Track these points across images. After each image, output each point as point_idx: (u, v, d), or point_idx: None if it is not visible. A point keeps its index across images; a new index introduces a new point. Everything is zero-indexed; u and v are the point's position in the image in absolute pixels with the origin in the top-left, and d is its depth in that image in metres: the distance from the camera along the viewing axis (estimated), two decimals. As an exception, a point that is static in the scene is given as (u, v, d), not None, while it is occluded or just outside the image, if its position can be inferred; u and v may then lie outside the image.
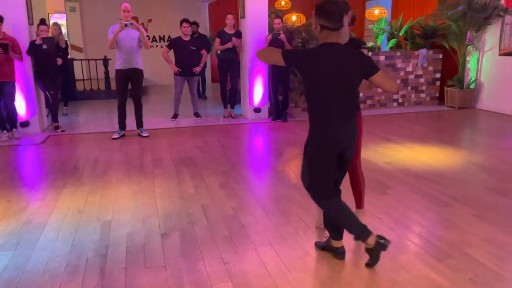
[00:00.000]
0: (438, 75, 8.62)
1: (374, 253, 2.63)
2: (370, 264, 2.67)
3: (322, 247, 2.91)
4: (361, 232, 2.62)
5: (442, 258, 2.79)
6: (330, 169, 2.61)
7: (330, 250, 2.85)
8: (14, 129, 6.18)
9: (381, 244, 2.59)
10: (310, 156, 2.62)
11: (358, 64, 2.49)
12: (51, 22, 8.66)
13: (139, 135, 6.34)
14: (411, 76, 8.47)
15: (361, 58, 2.53)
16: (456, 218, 3.42)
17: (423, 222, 3.36)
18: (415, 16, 9.21)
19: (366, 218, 3.40)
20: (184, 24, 7.04)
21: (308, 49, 2.60)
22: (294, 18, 9.96)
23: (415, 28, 8.79)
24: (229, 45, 7.19)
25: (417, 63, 8.42)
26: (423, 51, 8.32)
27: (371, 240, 2.60)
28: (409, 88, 8.52)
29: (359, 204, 3.33)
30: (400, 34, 8.73)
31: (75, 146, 5.97)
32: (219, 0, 11.98)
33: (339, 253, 2.81)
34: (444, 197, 3.86)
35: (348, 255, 2.85)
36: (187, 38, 7.13)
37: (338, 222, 2.71)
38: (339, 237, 2.80)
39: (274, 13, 9.04)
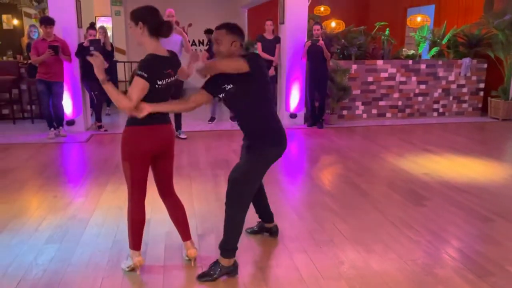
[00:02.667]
0: (482, 85, 8.35)
1: (218, 270, 2.67)
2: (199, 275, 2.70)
3: (255, 231, 3.29)
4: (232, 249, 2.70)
5: (483, 275, 2.72)
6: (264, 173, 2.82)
7: (265, 230, 3.26)
8: (60, 127, 6.48)
9: (228, 271, 2.69)
10: (261, 159, 2.72)
11: None
12: (98, 25, 9.03)
13: (177, 137, 6.49)
14: (453, 86, 8.25)
15: None
16: (498, 234, 3.31)
17: (463, 236, 3.28)
18: (459, 24, 8.96)
19: (405, 229, 3.36)
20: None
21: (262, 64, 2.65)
22: (333, 24, 9.92)
23: (459, 36, 8.55)
24: (272, 59, 7.25)
25: (459, 73, 8.19)
26: (466, 60, 8.09)
27: (230, 262, 2.69)
28: (451, 97, 8.30)
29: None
30: (443, 42, 8.52)
31: (117, 145, 6.15)
32: (259, 5, 12.09)
33: (273, 232, 3.23)
34: (485, 211, 3.75)
35: (378, 268, 2.83)
36: (226, 43, 7.24)
37: (227, 225, 2.71)
38: (271, 220, 3.22)
39: (313, 19, 9.06)
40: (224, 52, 2.58)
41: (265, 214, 3.22)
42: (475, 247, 3.10)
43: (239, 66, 2.49)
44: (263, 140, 2.70)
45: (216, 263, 2.69)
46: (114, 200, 3.98)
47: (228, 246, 2.67)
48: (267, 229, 3.26)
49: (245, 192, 2.69)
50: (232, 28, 2.60)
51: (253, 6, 12.28)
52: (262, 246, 3.11)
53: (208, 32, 10.24)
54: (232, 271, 2.69)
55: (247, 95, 2.61)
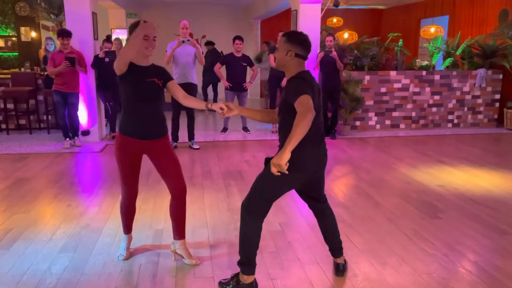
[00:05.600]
0: (497, 96, 8.25)
1: (234, 283, 2.63)
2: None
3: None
4: (244, 263, 2.61)
5: (500, 290, 2.66)
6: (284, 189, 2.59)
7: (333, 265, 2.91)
8: (76, 137, 6.57)
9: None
10: (269, 177, 2.45)
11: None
12: (113, 37, 9.18)
13: (190, 147, 6.53)
14: (468, 97, 8.17)
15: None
16: (516, 248, 3.24)
17: (479, 250, 3.22)
18: (474, 34, 8.90)
19: (419, 242, 3.30)
20: (237, 41, 7.22)
21: (307, 81, 2.45)
22: (346, 35, 9.95)
23: (473, 47, 8.49)
24: None
25: (474, 83, 8.11)
26: (481, 71, 8.01)
27: (247, 279, 2.61)
28: (466, 109, 8.21)
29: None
30: (457, 53, 8.47)
31: (130, 155, 6.24)
32: (271, 17, 12.19)
33: (338, 269, 2.85)
34: (502, 224, 3.67)
35: (392, 281, 2.78)
36: (239, 55, 7.30)
37: (239, 238, 2.62)
38: (335, 253, 2.87)
39: (326, 30, 9.09)
40: (279, 60, 2.54)
41: (329, 244, 2.88)
42: (492, 261, 3.03)
43: (310, 117, 2.27)
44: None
45: (237, 275, 2.65)
46: (127, 210, 3.99)
47: (241, 260, 2.61)
48: (334, 264, 2.91)
49: (259, 206, 2.55)
50: (290, 37, 2.50)
51: (266, 17, 12.37)
52: (274, 258, 3.09)
53: (208, 44, 10.47)
54: None
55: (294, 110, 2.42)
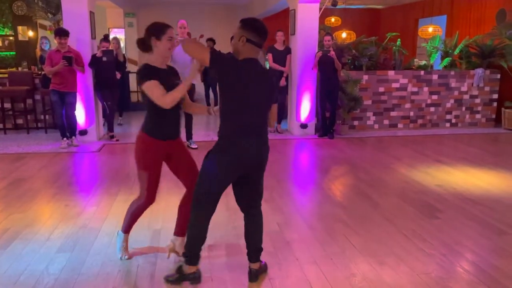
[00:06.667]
0: (495, 96, 8.26)
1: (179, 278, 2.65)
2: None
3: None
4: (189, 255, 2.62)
5: (498, 289, 2.66)
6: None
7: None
8: (73, 137, 6.55)
9: (189, 278, 2.63)
10: (208, 162, 2.60)
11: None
12: (111, 36, 9.15)
13: (188, 146, 6.52)
14: (466, 96, 8.18)
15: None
16: (514, 247, 3.25)
17: (477, 249, 3.22)
18: (471, 34, 8.91)
19: (418, 242, 3.31)
20: (235, 41, 7.21)
21: (234, 58, 2.50)
22: (344, 35, 9.95)
23: (471, 47, 8.50)
24: (284, 69, 7.29)
25: (472, 83, 8.12)
26: (479, 70, 8.02)
27: (190, 269, 2.62)
28: (464, 108, 8.22)
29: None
30: (455, 53, 8.48)
31: (128, 155, 6.22)
32: (269, 16, 12.17)
33: (251, 275, 2.75)
34: (500, 224, 3.68)
35: (390, 281, 2.78)
36: (237, 54, 7.28)
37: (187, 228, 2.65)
38: (251, 257, 2.77)
39: (324, 30, 9.09)
40: (233, 46, 2.53)
41: (248, 248, 2.77)
42: (490, 261, 3.04)
43: (202, 56, 2.43)
44: (217, 144, 2.59)
45: (180, 267, 2.66)
46: (124, 210, 3.95)
47: (186, 252, 2.62)
48: (248, 269, 2.77)
49: (200, 196, 2.56)
50: (244, 23, 2.49)
51: (264, 17, 12.35)
52: (272, 257, 3.08)
53: (210, 41, 10.44)
54: (193, 279, 2.63)
55: (220, 89, 2.52)
